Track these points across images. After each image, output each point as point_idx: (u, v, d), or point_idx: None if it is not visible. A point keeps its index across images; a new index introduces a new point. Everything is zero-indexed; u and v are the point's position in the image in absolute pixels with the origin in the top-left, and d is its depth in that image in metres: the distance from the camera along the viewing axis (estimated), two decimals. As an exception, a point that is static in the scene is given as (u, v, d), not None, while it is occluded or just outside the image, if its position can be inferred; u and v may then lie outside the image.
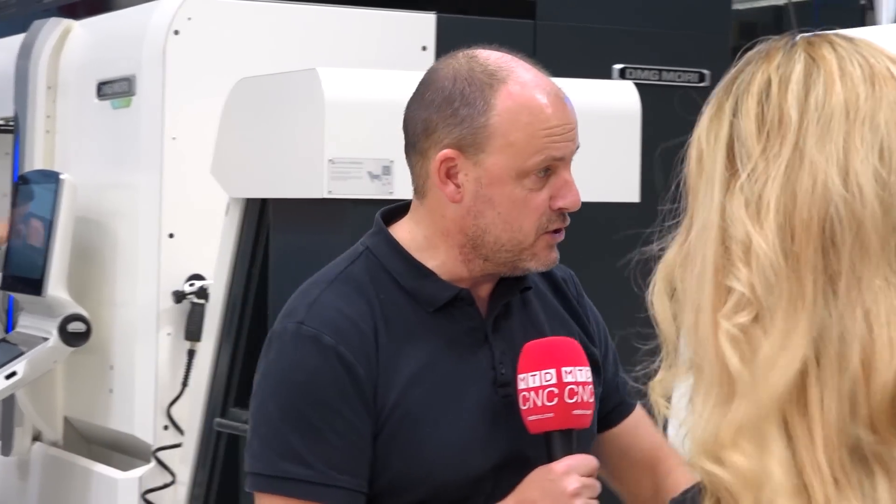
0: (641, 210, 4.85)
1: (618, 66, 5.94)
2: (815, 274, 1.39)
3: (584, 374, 2.53)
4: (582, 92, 5.32)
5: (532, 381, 2.51)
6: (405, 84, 4.96)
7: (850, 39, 1.48)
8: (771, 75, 1.45)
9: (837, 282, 1.39)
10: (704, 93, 4.92)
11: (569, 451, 2.50)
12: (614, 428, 2.86)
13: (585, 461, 2.50)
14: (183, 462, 5.32)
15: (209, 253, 5.28)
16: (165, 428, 5.43)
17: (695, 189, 1.47)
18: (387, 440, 2.55)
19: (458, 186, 2.60)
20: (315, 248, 4.73)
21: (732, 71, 1.51)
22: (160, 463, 5.41)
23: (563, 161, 2.60)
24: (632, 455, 2.88)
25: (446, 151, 2.60)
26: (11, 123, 6.45)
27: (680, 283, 1.47)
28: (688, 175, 1.49)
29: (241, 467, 5.01)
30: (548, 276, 2.81)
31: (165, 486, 5.40)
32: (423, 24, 5.86)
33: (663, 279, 1.48)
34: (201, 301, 5.41)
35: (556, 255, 2.63)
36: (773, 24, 10.27)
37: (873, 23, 9.88)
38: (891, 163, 1.40)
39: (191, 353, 5.44)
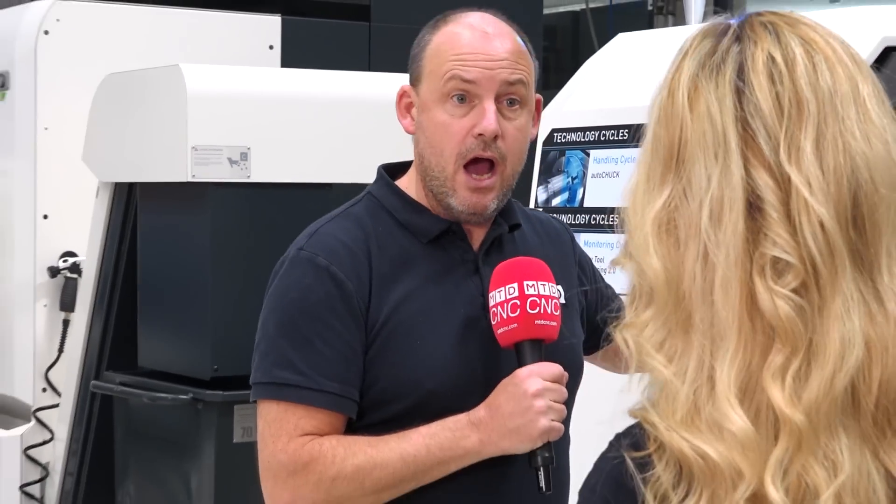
0: None
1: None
2: (850, 248, 1.34)
3: (547, 288, 2.45)
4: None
5: (498, 297, 2.44)
6: (258, 79, 4.98)
7: (798, 18, 1.44)
8: (773, 55, 1.38)
9: (865, 257, 1.35)
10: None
11: (537, 361, 2.43)
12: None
13: (549, 367, 2.42)
14: (61, 421, 5.26)
15: (81, 232, 5.22)
16: (44, 390, 5.35)
17: (684, 154, 1.38)
18: (378, 351, 2.48)
19: (412, 118, 2.58)
20: (179, 226, 4.69)
21: (692, 47, 1.43)
22: (39, 422, 5.33)
23: (482, 88, 2.47)
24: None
25: (403, 87, 2.59)
26: None
27: (667, 241, 1.38)
28: (667, 139, 1.40)
29: (114, 424, 4.98)
30: (543, 227, 2.75)
31: (45, 442, 5.33)
32: (270, 25, 5.84)
33: (655, 233, 1.38)
34: (74, 276, 5.34)
35: (480, 197, 2.51)
36: (572, 27, 10.35)
37: (662, 25, 10.03)
38: (886, 138, 1.38)
39: (66, 323, 5.36)
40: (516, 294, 2.42)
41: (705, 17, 10.06)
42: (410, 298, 2.51)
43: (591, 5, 10.06)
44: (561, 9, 10.57)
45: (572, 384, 2.57)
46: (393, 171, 2.66)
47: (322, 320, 2.47)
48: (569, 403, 2.54)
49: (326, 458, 2.45)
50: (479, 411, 2.43)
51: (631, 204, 1.43)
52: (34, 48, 5.38)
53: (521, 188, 3.51)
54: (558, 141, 3.34)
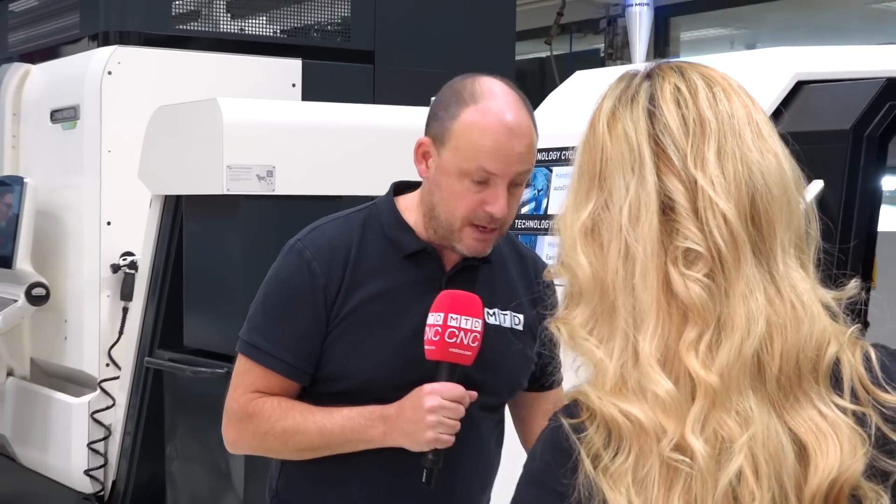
0: None
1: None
2: (750, 241, 1.35)
3: (470, 323, 2.39)
4: (419, 115, 5.31)
5: (430, 320, 2.41)
6: (281, 110, 4.99)
7: (698, 63, 1.46)
8: (679, 86, 1.40)
9: (762, 249, 1.36)
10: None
11: (447, 380, 2.39)
12: (548, 392, 2.71)
13: (451, 388, 2.38)
14: (120, 390, 5.26)
15: (137, 236, 5.21)
16: (107, 365, 5.33)
17: (605, 172, 1.39)
18: (335, 338, 2.48)
19: (427, 167, 2.51)
20: (217, 230, 4.69)
21: (610, 90, 1.45)
22: (103, 391, 5.32)
23: (499, 177, 2.42)
24: (548, 413, 2.77)
25: (424, 138, 2.52)
26: (-16, 141, 6.28)
27: (593, 245, 1.39)
28: (589, 163, 1.42)
29: (164, 393, 4.99)
30: (523, 263, 2.68)
31: (108, 407, 5.32)
32: (293, 67, 5.82)
33: (583, 238, 1.39)
34: (132, 271, 5.32)
35: (481, 245, 2.48)
36: (539, 70, 10.35)
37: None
38: (776, 152, 1.40)
39: (125, 310, 5.34)
40: (440, 322, 2.39)
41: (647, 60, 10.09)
42: (373, 300, 2.49)
43: (554, 53, 10.06)
44: (530, 56, 10.56)
45: (503, 391, 2.61)
46: (403, 187, 2.64)
47: (294, 304, 2.48)
48: (495, 408, 2.60)
49: (264, 415, 2.48)
50: (391, 409, 2.42)
51: (561, 222, 1.43)
52: (100, 86, 5.38)
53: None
54: (526, 160, 3.32)
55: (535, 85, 10.21)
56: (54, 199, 5.63)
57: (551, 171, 3.22)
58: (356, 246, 2.51)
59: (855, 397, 1.36)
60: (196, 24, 5.87)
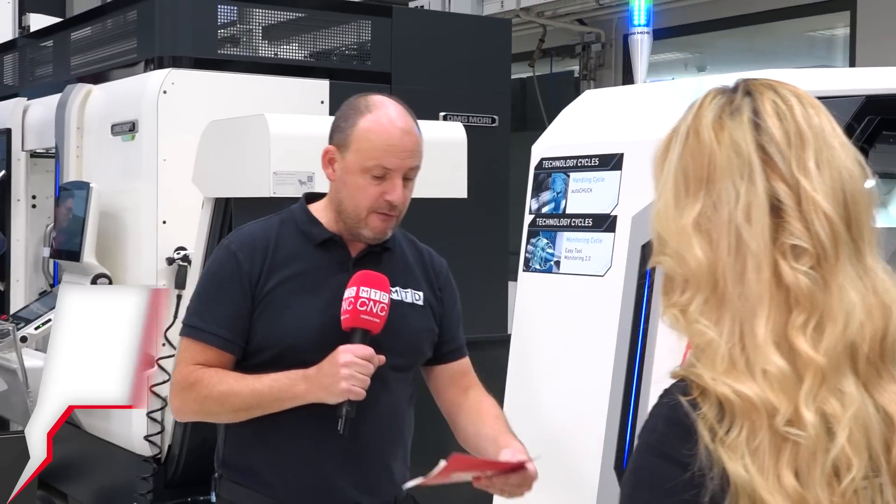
0: (468, 203, 4.87)
1: (442, 114, 5.93)
2: (846, 236, 1.34)
3: (378, 295, 2.52)
4: (434, 128, 5.29)
5: (346, 294, 2.53)
6: (318, 124, 4.91)
7: (782, 81, 1.44)
8: (776, 102, 1.38)
9: (854, 247, 1.35)
10: (495, 130, 4.81)
11: (359, 343, 2.50)
12: (449, 364, 2.83)
13: (362, 349, 2.48)
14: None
15: (189, 233, 5.14)
16: (163, 345, 5.25)
17: (714, 177, 1.37)
18: (259, 314, 2.57)
19: (333, 170, 2.65)
20: (263, 228, 4.64)
21: (707, 101, 1.42)
22: (161, 367, 5.23)
23: (394, 171, 2.59)
24: (457, 383, 2.83)
25: (329, 147, 2.67)
26: (53, 151, 6.25)
27: (705, 238, 1.36)
28: (696, 168, 1.38)
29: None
30: (420, 255, 2.81)
31: (164, 382, 5.20)
32: (321, 87, 5.77)
33: (696, 234, 1.36)
34: (185, 264, 5.26)
35: (384, 227, 2.62)
36: (521, 89, 10.31)
37: (586, 88, 10.00)
38: (858, 160, 1.39)
39: (178, 297, 5.26)
40: (353, 295, 2.51)
41: (616, 81, 10.08)
42: (290, 280, 2.58)
43: (537, 73, 10.04)
44: (515, 76, 10.53)
45: (409, 356, 2.70)
46: (313, 197, 2.76)
47: (223, 288, 2.58)
48: (404, 369, 2.67)
49: (203, 382, 2.53)
50: (311, 370, 2.49)
51: (662, 218, 1.40)
52: (156, 103, 5.32)
53: (519, 200, 3.49)
54: (546, 166, 3.29)
55: (518, 100, 10.16)
56: (115, 201, 5.57)
57: (569, 176, 3.18)
58: (274, 239, 2.63)
59: None
60: (237, 49, 5.81)
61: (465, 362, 2.86)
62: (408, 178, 2.64)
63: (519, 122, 8.41)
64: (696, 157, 1.38)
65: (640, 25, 3.42)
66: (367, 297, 2.49)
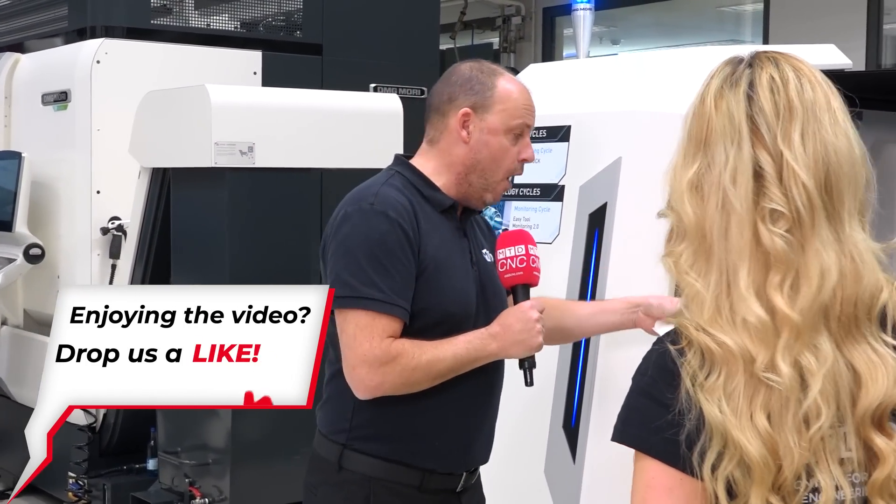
0: None
1: (373, 85, 5.98)
2: (824, 206, 1.43)
3: (535, 250, 2.55)
4: (370, 100, 5.35)
5: (508, 252, 2.53)
6: (259, 95, 4.97)
7: (790, 54, 1.51)
8: (773, 76, 1.47)
9: (833, 214, 1.43)
10: (424, 101, 4.89)
11: (528, 299, 2.53)
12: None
13: (539, 302, 2.53)
14: (111, 336, 5.19)
15: (123, 203, 5.17)
16: (98, 314, 5.25)
17: (710, 140, 1.47)
18: (425, 280, 2.52)
19: (468, 133, 2.59)
20: (203, 198, 4.66)
21: (718, 71, 1.52)
22: (96, 337, 5.23)
23: (528, 129, 2.62)
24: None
25: (465, 109, 2.59)
26: (-20, 122, 6.14)
27: (696, 196, 1.46)
28: (698, 131, 1.49)
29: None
30: (485, 220, 2.84)
31: (99, 351, 5.23)
32: (254, 58, 5.78)
33: (688, 191, 1.46)
34: (119, 234, 5.26)
35: (500, 198, 2.67)
36: (442, 61, 10.36)
37: (506, 62, 10.09)
38: (847, 134, 1.46)
39: (113, 267, 5.28)
40: (524, 253, 2.52)
41: (535, 54, 10.20)
42: (439, 248, 2.55)
43: (458, 45, 10.11)
44: (443, 47, 10.60)
45: None
46: (405, 157, 2.69)
47: (395, 256, 2.47)
48: None
49: (408, 353, 2.45)
50: (494, 327, 2.50)
51: (672, 174, 1.51)
52: (90, 73, 5.29)
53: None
54: (494, 138, 3.34)
55: (440, 72, 10.23)
56: (47, 171, 5.53)
57: (517, 147, 3.25)
58: (414, 204, 2.55)
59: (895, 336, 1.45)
60: (169, 19, 5.80)
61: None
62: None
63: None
64: (699, 120, 1.49)
65: (582, 2, 3.52)
66: (535, 253, 2.54)
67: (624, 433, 1.48)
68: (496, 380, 2.65)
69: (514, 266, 2.52)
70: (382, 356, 2.46)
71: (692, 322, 1.43)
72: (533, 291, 2.57)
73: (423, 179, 2.60)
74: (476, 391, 2.60)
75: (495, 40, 10.47)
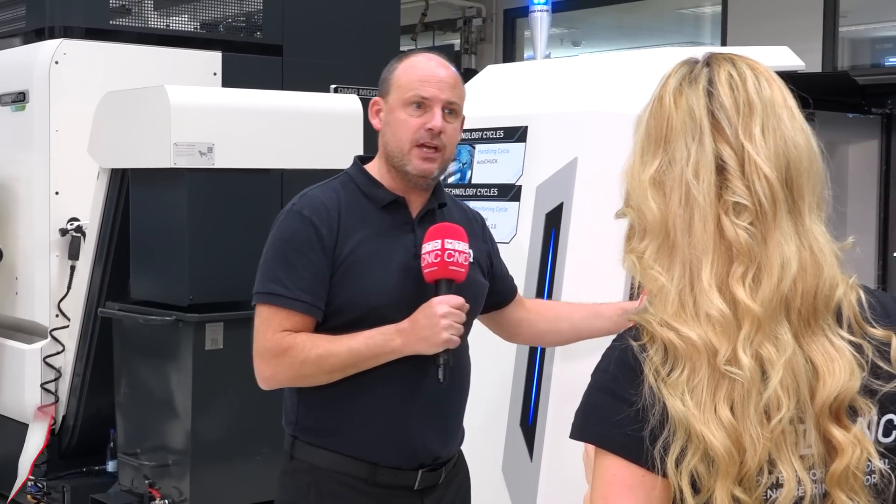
0: None
1: (333, 86, 5.98)
2: (785, 200, 1.44)
3: (460, 245, 2.53)
4: (330, 101, 5.35)
5: (427, 248, 2.53)
6: (218, 96, 4.96)
7: (743, 55, 1.53)
8: (731, 73, 1.48)
9: (793, 208, 1.44)
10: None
11: (448, 293, 2.51)
12: (512, 300, 2.87)
13: (454, 298, 2.50)
14: (69, 337, 5.19)
15: (82, 204, 5.14)
16: (57, 316, 5.23)
17: (671, 137, 1.47)
18: (341, 276, 2.54)
19: (379, 119, 2.64)
20: (163, 198, 4.64)
21: (674, 71, 1.53)
22: (54, 338, 5.23)
23: (432, 100, 2.58)
24: (521, 308, 2.88)
25: (376, 98, 2.66)
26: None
27: (658, 193, 1.46)
28: (657, 129, 1.49)
29: (113, 339, 4.93)
30: (464, 211, 2.81)
31: (58, 353, 5.23)
32: (214, 59, 5.77)
33: (651, 188, 1.47)
34: (78, 235, 5.23)
35: (427, 165, 2.60)
36: (404, 61, 10.38)
37: (467, 63, 10.12)
38: (805, 130, 1.48)
39: (72, 268, 5.25)
40: (439, 247, 2.52)
41: (497, 55, 10.23)
42: (364, 244, 2.57)
43: (419, 47, 10.11)
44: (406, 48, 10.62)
45: (473, 312, 2.67)
46: (364, 160, 2.72)
47: (303, 253, 2.52)
48: (468, 325, 2.64)
49: (297, 347, 2.50)
50: (404, 323, 2.51)
51: (630, 173, 1.51)
52: (48, 73, 5.26)
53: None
54: (452, 138, 3.37)
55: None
56: (6, 171, 5.49)
57: (474, 147, 3.29)
58: (342, 203, 2.59)
59: (850, 331, 1.46)
60: (128, 20, 5.78)
61: (517, 295, 2.93)
62: (451, 113, 2.62)
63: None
64: (658, 119, 1.49)
65: (539, 4, 3.54)
66: (453, 248, 2.51)
67: (584, 430, 1.47)
68: (437, 373, 2.56)
69: (430, 261, 2.53)
70: (274, 349, 2.52)
71: (656, 317, 1.44)
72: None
73: (367, 178, 2.65)
74: (415, 386, 2.59)
75: (456, 42, 10.49)
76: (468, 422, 2.84)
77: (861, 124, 3.53)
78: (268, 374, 2.55)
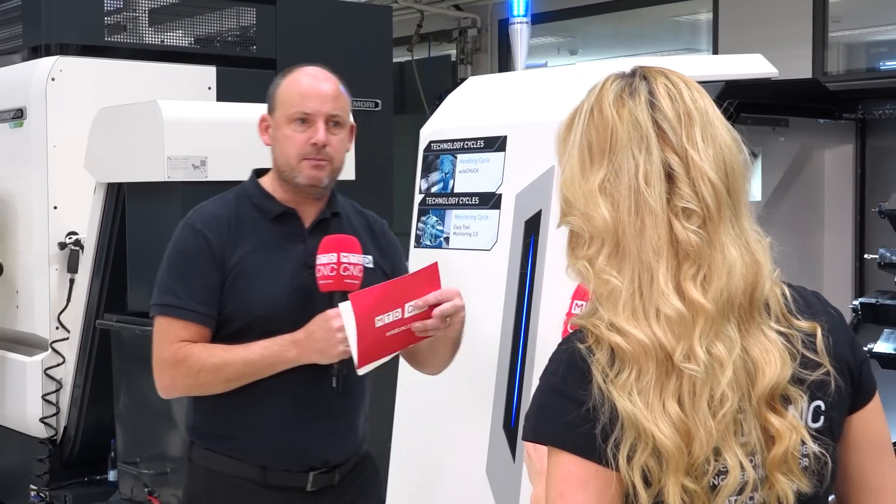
0: (355, 185, 4.92)
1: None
2: (728, 203, 1.51)
3: (355, 258, 2.60)
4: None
5: (323, 259, 2.59)
6: (211, 110, 5.03)
7: (672, 69, 1.60)
8: (668, 86, 1.55)
9: (734, 211, 1.52)
10: (378, 114, 4.94)
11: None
12: None
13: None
14: (69, 349, 5.25)
15: (80, 217, 5.20)
16: (57, 328, 5.29)
17: (616, 147, 1.52)
18: (229, 286, 2.62)
19: (269, 136, 2.75)
20: (157, 211, 4.70)
21: (608, 84, 1.58)
22: (55, 350, 5.29)
23: (314, 115, 2.65)
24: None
25: (263, 115, 2.76)
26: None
27: (608, 200, 1.51)
28: (599, 140, 1.54)
29: (111, 350, 4.99)
30: (364, 218, 2.87)
31: (58, 364, 5.30)
32: (209, 73, 5.83)
33: (600, 196, 1.52)
34: (77, 248, 5.30)
35: (316, 173, 2.67)
36: (400, 73, 10.46)
37: (464, 74, 10.18)
38: (736, 138, 1.55)
39: (71, 281, 5.31)
40: (335, 260, 2.59)
41: (492, 65, 10.30)
42: (253, 254, 2.66)
43: (415, 58, 10.19)
44: (395, 60, 10.68)
45: None
46: (261, 172, 2.83)
47: (193, 265, 2.62)
48: None
49: (194, 356, 2.58)
50: (299, 334, 2.57)
51: (569, 183, 1.56)
52: (44, 90, 5.33)
53: (408, 182, 3.66)
54: (434, 149, 3.44)
55: (397, 84, 10.32)
56: (5, 187, 5.56)
57: (456, 157, 3.36)
58: (233, 215, 2.68)
59: (778, 323, 1.53)
60: (124, 36, 5.85)
61: None
62: (336, 125, 2.69)
63: (398, 106, 8.57)
64: (599, 130, 1.53)
65: (519, 16, 3.61)
66: (348, 261, 2.58)
67: (538, 431, 1.52)
68: (328, 380, 2.64)
69: (325, 273, 2.59)
70: (170, 358, 2.61)
71: (604, 321, 1.49)
72: (485, 298, 2.62)
73: (259, 191, 2.74)
74: (308, 392, 2.65)
75: (452, 52, 10.57)
76: (452, 424, 2.90)
77: (836, 129, 3.60)
78: (166, 383, 2.65)
